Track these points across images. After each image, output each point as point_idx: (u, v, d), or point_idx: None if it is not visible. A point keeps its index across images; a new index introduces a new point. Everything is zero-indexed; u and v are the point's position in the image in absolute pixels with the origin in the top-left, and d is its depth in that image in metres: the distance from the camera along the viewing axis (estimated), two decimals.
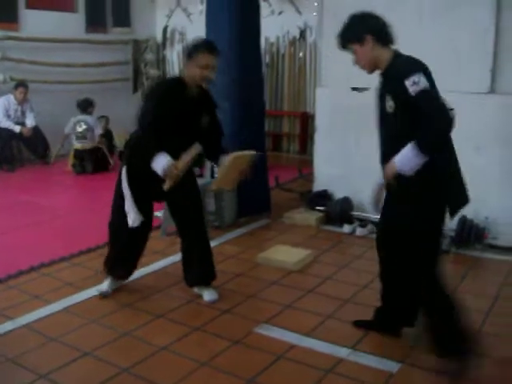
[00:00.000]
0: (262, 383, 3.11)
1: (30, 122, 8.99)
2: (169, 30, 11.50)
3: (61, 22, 9.95)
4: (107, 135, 9.31)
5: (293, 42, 10.13)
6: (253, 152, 4.02)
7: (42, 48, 9.59)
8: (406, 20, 5.09)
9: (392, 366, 3.26)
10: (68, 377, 3.16)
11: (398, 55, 3.13)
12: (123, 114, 8.71)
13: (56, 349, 3.44)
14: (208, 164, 5.70)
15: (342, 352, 3.41)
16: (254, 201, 6.13)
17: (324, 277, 4.59)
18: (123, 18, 11.07)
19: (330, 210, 5.99)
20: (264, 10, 7.56)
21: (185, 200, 4.04)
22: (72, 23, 10.20)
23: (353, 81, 5.84)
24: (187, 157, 3.73)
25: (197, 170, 5.56)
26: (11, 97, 8.90)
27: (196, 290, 4.18)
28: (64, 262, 4.84)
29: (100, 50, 10.52)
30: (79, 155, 8.52)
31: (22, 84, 8.93)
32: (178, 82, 3.88)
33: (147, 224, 4.10)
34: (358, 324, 3.71)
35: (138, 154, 3.87)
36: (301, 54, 10.05)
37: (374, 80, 5.78)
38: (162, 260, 4.87)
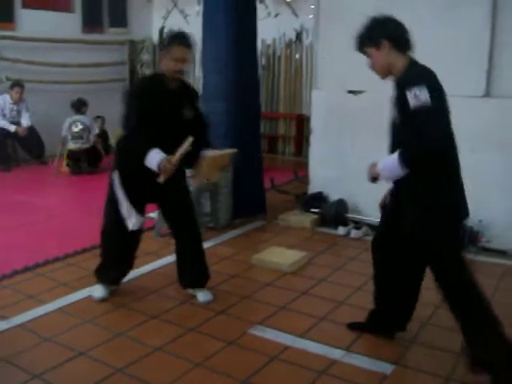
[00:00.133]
0: None
1: (25, 121, 8.99)
2: (165, 30, 11.50)
3: (57, 22, 9.96)
4: (103, 135, 9.31)
5: (289, 45, 10.16)
6: (232, 150, 4.00)
7: (38, 48, 9.60)
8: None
9: (386, 368, 3.27)
10: (62, 377, 3.15)
11: (413, 64, 3.07)
12: (119, 114, 8.69)
13: (50, 349, 3.44)
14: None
15: (336, 353, 3.42)
16: (249, 202, 6.14)
17: (318, 279, 4.61)
18: (120, 19, 11.08)
19: (324, 212, 6.01)
20: (260, 12, 7.58)
21: (177, 202, 4.04)
22: (68, 23, 10.21)
23: (348, 83, 5.88)
24: (181, 150, 3.70)
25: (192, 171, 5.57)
26: (7, 96, 8.90)
27: (190, 290, 4.19)
28: (59, 262, 4.84)
29: (96, 50, 10.53)
30: (74, 156, 8.49)
31: (17, 84, 8.93)
32: (156, 77, 3.87)
33: (139, 229, 4.10)
34: (353, 326, 3.72)
35: (127, 157, 3.86)
36: (297, 56, 10.08)
37: (369, 83, 5.80)
38: (156, 261, 4.87)
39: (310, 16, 7.88)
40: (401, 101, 2.92)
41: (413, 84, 2.83)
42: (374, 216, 5.73)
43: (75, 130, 8.50)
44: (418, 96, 2.79)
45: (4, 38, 9.22)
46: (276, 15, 10.06)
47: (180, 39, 3.74)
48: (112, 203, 3.97)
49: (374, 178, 3.14)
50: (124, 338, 3.59)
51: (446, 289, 3.10)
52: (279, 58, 10.30)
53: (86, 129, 8.61)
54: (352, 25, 5.65)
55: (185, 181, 4.14)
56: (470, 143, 4.99)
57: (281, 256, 4.93)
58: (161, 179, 3.66)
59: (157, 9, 11.58)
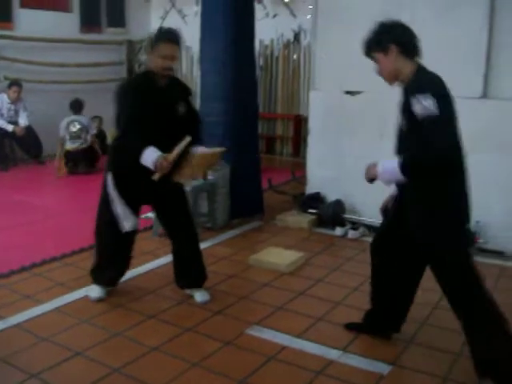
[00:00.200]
0: None
1: (23, 121, 8.98)
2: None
3: (55, 22, 9.97)
4: (100, 135, 9.32)
5: (287, 45, 10.17)
6: (221, 149, 3.98)
7: (36, 47, 9.60)
8: None
9: (383, 368, 3.27)
10: (59, 376, 3.15)
11: (421, 70, 3.01)
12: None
13: (47, 348, 3.44)
14: None
15: (333, 354, 3.42)
16: (246, 203, 6.14)
17: (316, 279, 4.61)
18: (118, 19, 11.09)
19: (322, 212, 6.01)
20: (259, 12, 7.59)
21: (173, 202, 4.04)
22: (66, 23, 10.22)
23: (346, 84, 5.89)
24: (177, 149, 3.69)
25: None
26: (4, 96, 8.90)
27: (188, 291, 4.19)
28: (56, 262, 4.84)
29: (94, 50, 10.54)
30: (72, 157, 8.47)
31: (15, 83, 8.93)
32: (145, 75, 3.85)
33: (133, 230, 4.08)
34: (350, 327, 3.73)
35: (122, 157, 3.84)
36: (295, 57, 10.09)
37: (367, 84, 5.82)
38: (153, 261, 4.88)
39: (308, 16, 7.90)
40: (408, 108, 2.87)
41: (420, 92, 2.78)
42: (372, 217, 5.76)
43: (73, 129, 8.48)
44: (425, 105, 2.74)
45: (2, 37, 9.22)
46: (274, 16, 10.08)
47: (167, 36, 3.72)
48: (106, 204, 3.95)
49: (372, 179, 3.11)
50: (121, 337, 3.59)
51: (448, 290, 3.07)
52: (277, 58, 10.31)
53: (84, 129, 8.61)
54: (350, 25, 5.74)
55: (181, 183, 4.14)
56: (467, 144, 4.99)
57: (278, 256, 4.94)
58: (156, 176, 3.63)
59: (155, 9, 11.58)
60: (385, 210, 3.41)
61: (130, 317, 3.88)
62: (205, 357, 3.36)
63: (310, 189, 6.38)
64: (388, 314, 3.53)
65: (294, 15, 9.95)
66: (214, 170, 5.48)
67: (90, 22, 10.61)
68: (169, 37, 3.72)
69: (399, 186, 3.13)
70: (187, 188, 4.91)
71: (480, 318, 2.99)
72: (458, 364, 3.30)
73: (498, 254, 5.06)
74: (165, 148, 3.67)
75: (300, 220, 6.04)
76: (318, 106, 6.21)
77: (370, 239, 5.40)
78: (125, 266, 4.21)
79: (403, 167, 2.87)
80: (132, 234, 4.08)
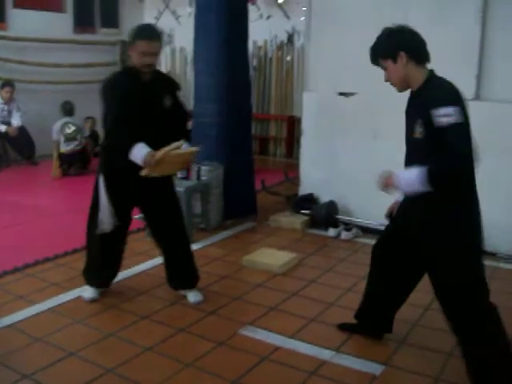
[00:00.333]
0: None
1: (16, 121, 8.96)
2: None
3: (49, 22, 9.95)
4: (93, 136, 9.30)
5: (280, 46, 10.18)
6: (195, 148, 3.94)
7: (29, 48, 9.58)
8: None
9: (375, 369, 3.29)
10: (52, 377, 3.16)
11: (433, 77, 2.95)
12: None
13: (41, 349, 3.44)
14: (194, 167, 5.71)
15: (326, 354, 3.44)
16: (240, 203, 6.15)
17: (309, 280, 4.62)
18: (111, 19, 11.07)
19: (315, 213, 6.02)
20: (252, 13, 7.62)
21: (164, 203, 4.03)
22: (60, 23, 10.20)
23: (339, 85, 5.90)
24: (167, 148, 3.66)
25: (183, 173, 5.58)
26: None
27: (181, 291, 4.20)
28: (49, 263, 4.84)
29: (88, 50, 10.52)
30: (66, 159, 8.43)
31: (8, 83, 8.91)
32: (128, 72, 3.81)
33: (122, 231, 4.06)
34: (343, 327, 3.74)
35: (112, 156, 3.83)
36: (288, 58, 10.10)
37: (360, 85, 5.85)
38: (146, 262, 4.88)
39: (302, 18, 7.91)
40: (426, 118, 2.77)
41: (442, 104, 2.72)
42: (365, 218, 5.79)
43: (68, 131, 8.42)
44: (448, 114, 2.68)
45: None
46: (268, 17, 10.09)
47: (144, 33, 3.68)
48: (96, 207, 3.95)
49: (387, 188, 3.02)
50: (114, 338, 3.60)
51: (449, 299, 3.00)
52: (271, 59, 10.32)
53: (79, 130, 8.59)
54: (344, 27, 5.77)
55: (172, 182, 4.14)
56: None
57: (271, 257, 4.95)
58: (143, 172, 3.61)
59: (148, 10, 11.57)
60: (390, 215, 3.37)
61: (124, 317, 3.88)
62: (198, 357, 3.37)
63: (303, 190, 6.39)
64: (383, 315, 3.54)
65: (287, 17, 9.97)
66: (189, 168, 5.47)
67: (83, 22, 10.59)
68: (146, 33, 3.68)
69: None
70: (180, 189, 4.92)
71: (480, 334, 2.93)
72: (449, 364, 3.32)
73: (490, 255, 5.07)
74: (153, 142, 3.65)
75: (293, 221, 6.05)
76: (312, 107, 6.23)
77: (362, 240, 5.51)
78: (115, 267, 4.20)
79: (431, 177, 2.75)
80: (121, 237, 4.08)
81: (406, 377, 3.24)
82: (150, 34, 3.68)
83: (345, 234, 5.70)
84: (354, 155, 5.89)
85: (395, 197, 3.34)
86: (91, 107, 9.12)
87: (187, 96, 8.10)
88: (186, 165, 4.04)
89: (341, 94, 5.93)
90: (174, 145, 3.73)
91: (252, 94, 6.70)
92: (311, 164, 6.29)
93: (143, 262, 4.87)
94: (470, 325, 2.95)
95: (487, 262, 4.98)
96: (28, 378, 3.12)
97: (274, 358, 3.39)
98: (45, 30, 9.73)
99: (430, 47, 2.90)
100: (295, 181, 7.00)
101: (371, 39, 3.09)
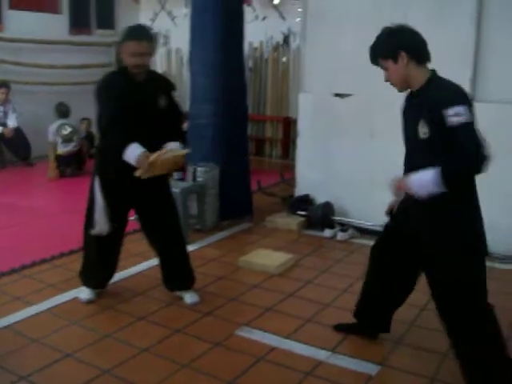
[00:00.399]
0: None
1: (11, 122, 8.95)
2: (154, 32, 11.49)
3: (44, 23, 9.94)
4: (89, 137, 9.29)
5: (276, 48, 10.18)
6: (186, 150, 3.92)
7: (25, 49, 9.57)
8: None
9: (371, 369, 3.30)
10: (49, 378, 3.16)
11: (436, 77, 2.94)
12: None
13: (37, 350, 3.44)
14: (190, 168, 5.72)
15: (322, 354, 3.45)
16: (236, 204, 6.16)
17: (305, 281, 4.63)
18: (107, 21, 11.07)
19: (311, 214, 6.03)
20: (248, 14, 7.63)
21: (160, 205, 4.02)
22: (56, 24, 10.19)
23: (335, 86, 5.92)
24: (162, 152, 3.68)
25: (179, 174, 5.59)
26: None
27: (177, 293, 4.20)
28: (45, 264, 4.84)
29: (83, 51, 10.51)
30: (63, 160, 8.41)
31: (3, 84, 8.90)
32: (122, 72, 3.79)
33: (118, 233, 4.05)
34: (339, 328, 3.75)
35: (107, 159, 3.82)
36: (284, 60, 10.11)
37: (356, 86, 5.86)
38: (143, 263, 4.88)
39: (298, 19, 7.93)
40: (433, 118, 2.77)
41: (452, 101, 2.71)
42: (361, 218, 5.80)
43: (65, 132, 8.40)
44: (459, 113, 2.68)
45: None
46: (263, 18, 10.10)
47: (133, 34, 3.68)
48: (92, 209, 3.94)
49: (400, 193, 3.00)
50: (111, 339, 3.60)
51: (448, 299, 2.98)
52: (266, 60, 10.32)
53: (75, 131, 8.59)
54: (339, 28, 5.78)
55: (168, 183, 4.14)
56: None
57: (267, 258, 4.96)
58: (137, 173, 3.61)
59: (144, 11, 11.58)
60: (391, 213, 3.35)
61: (120, 318, 3.89)
62: (194, 358, 3.38)
63: (299, 191, 6.41)
64: (381, 314, 3.54)
65: (283, 18, 9.98)
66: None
67: (79, 23, 10.58)
68: (135, 34, 3.68)
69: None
70: (176, 190, 4.93)
71: (477, 335, 2.93)
72: (445, 364, 3.33)
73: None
74: (148, 143, 3.66)
75: (289, 222, 6.06)
76: (308, 109, 6.24)
77: (359, 241, 5.52)
78: (111, 268, 4.20)
79: (445, 177, 2.74)
80: (117, 238, 4.08)
81: (402, 377, 3.25)
82: (138, 35, 3.67)
83: (341, 235, 5.71)
84: (349, 156, 5.91)
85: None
86: (87, 108, 9.11)
87: (183, 97, 8.09)
88: (177, 166, 4.03)
89: (336, 95, 5.94)
90: (168, 148, 3.74)
91: (248, 95, 6.71)
92: (307, 165, 6.31)
93: (139, 263, 4.87)
94: (467, 325, 2.95)
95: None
96: (24, 379, 3.12)
97: (270, 359, 3.40)
98: (40, 32, 9.72)
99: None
100: (291, 182, 7.02)
101: (367, 40, 3.09)
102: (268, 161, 10.33)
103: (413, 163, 3.00)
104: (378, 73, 3.10)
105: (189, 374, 3.23)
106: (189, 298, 4.14)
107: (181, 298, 4.16)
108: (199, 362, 3.35)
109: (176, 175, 5.54)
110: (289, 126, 10.02)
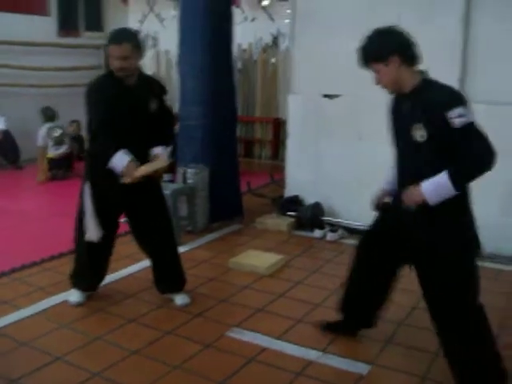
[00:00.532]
0: None
1: (0, 126, 8.90)
2: (142, 35, 11.48)
3: (32, 26, 9.89)
4: (78, 140, 9.26)
5: (265, 49, 10.19)
6: (164, 163, 3.87)
7: (12, 51, 9.51)
8: None
9: (362, 368, 3.31)
10: (39, 382, 3.14)
11: (428, 79, 2.93)
12: None
13: (27, 353, 3.43)
14: (180, 170, 5.71)
15: (313, 355, 3.45)
16: (226, 206, 6.16)
17: (295, 281, 4.64)
18: (95, 23, 11.05)
19: (301, 215, 6.04)
20: (237, 16, 7.62)
21: (151, 207, 4.00)
22: (44, 27, 10.15)
23: (324, 88, 5.93)
24: (150, 165, 3.69)
25: (169, 176, 5.59)
26: None
27: (168, 295, 4.19)
28: (35, 267, 4.82)
29: (72, 54, 10.48)
30: (56, 164, 8.38)
31: None
32: (111, 76, 3.76)
33: (110, 238, 4.04)
34: (326, 327, 3.75)
35: (97, 164, 3.77)
36: (273, 61, 10.12)
37: (345, 87, 5.87)
38: (133, 265, 4.87)
39: (286, 21, 7.93)
40: (431, 120, 2.77)
41: (454, 104, 2.72)
42: (350, 219, 5.81)
43: (56, 134, 8.37)
44: (465, 115, 2.71)
45: None
46: (252, 20, 10.11)
47: (113, 38, 3.68)
48: (81, 213, 3.93)
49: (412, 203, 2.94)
50: (101, 341, 3.59)
51: (440, 297, 2.99)
52: (255, 62, 10.33)
53: (65, 133, 8.56)
54: (328, 30, 5.79)
55: (160, 185, 4.12)
56: None
57: (258, 259, 4.96)
58: (124, 180, 3.62)
59: (133, 13, 11.55)
60: (378, 205, 3.33)
61: (110, 321, 3.88)
62: (185, 359, 3.38)
63: (289, 192, 6.41)
64: (363, 310, 3.54)
65: (272, 19, 9.99)
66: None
67: (67, 25, 10.56)
68: (114, 37, 3.68)
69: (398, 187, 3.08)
70: (166, 191, 4.92)
71: (468, 333, 2.95)
72: (435, 363, 3.34)
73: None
74: (137, 146, 3.68)
75: (279, 223, 6.07)
76: (297, 110, 6.25)
77: (348, 241, 5.52)
78: (102, 272, 4.19)
79: (459, 180, 2.76)
80: (108, 244, 4.06)
81: (393, 376, 3.26)
82: (118, 38, 3.66)
83: (330, 236, 5.72)
84: (338, 157, 5.92)
85: (380, 186, 3.33)
86: (76, 110, 9.08)
87: (172, 99, 8.07)
88: (159, 174, 3.97)
89: (325, 95, 5.95)
90: (154, 152, 3.74)
91: (237, 97, 6.71)
92: (296, 166, 6.32)
93: (130, 265, 4.86)
94: (460, 324, 2.96)
95: None
96: (14, 383, 3.10)
97: (261, 359, 3.40)
98: (29, 34, 9.68)
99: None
100: (281, 183, 7.02)
101: (355, 41, 3.06)
102: (257, 162, 10.34)
103: (409, 167, 3.01)
104: (367, 74, 3.09)
105: (180, 375, 3.22)
106: (179, 299, 4.13)
107: (171, 300, 4.16)
108: (190, 363, 3.35)
109: (166, 177, 5.53)
110: (278, 127, 10.02)
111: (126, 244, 5.02)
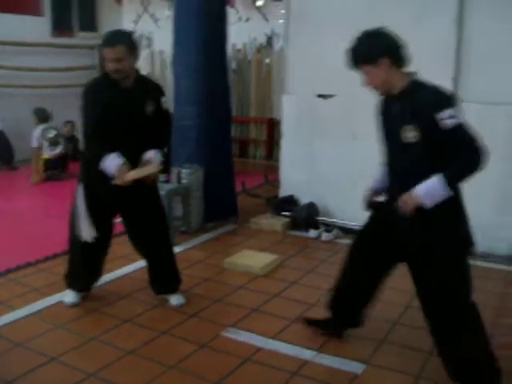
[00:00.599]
0: None
1: None
2: (136, 35, 11.46)
3: (26, 26, 9.86)
4: (73, 140, 9.25)
5: (259, 49, 10.20)
6: (155, 169, 3.84)
7: (6, 51, 9.48)
8: None
9: (357, 367, 3.32)
10: (34, 382, 3.14)
11: (417, 80, 2.94)
12: None
13: (22, 354, 3.42)
14: (174, 170, 5.71)
15: (308, 354, 3.46)
16: (220, 206, 6.16)
17: (290, 281, 4.65)
18: (90, 23, 11.04)
19: (295, 215, 6.05)
20: (231, 16, 7.64)
21: (147, 208, 4.00)
22: (38, 27, 10.12)
23: (318, 88, 5.94)
24: (141, 171, 3.69)
25: (163, 176, 5.58)
26: None
27: (163, 295, 4.20)
28: (30, 268, 4.81)
29: (66, 54, 10.46)
30: (51, 164, 8.37)
31: None
32: (107, 78, 3.73)
33: (104, 239, 4.03)
34: (310, 323, 3.75)
35: (91, 167, 3.76)
36: (267, 61, 10.12)
37: (339, 87, 5.88)
38: (128, 265, 4.87)
39: (281, 21, 7.94)
40: (422, 121, 2.79)
41: (445, 106, 2.74)
42: (345, 219, 5.82)
43: (50, 135, 8.36)
44: (455, 116, 2.73)
45: None
46: (247, 20, 10.11)
47: (105, 40, 3.66)
48: (75, 213, 3.92)
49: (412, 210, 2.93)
50: (96, 342, 3.59)
51: (435, 295, 3.02)
52: (250, 62, 10.33)
53: (60, 134, 8.55)
54: (322, 30, 5.80)
55: (156, 185, 4.11)
56: None
57: (252, 259, 4.97)
58: (115, 181, 3.62)
59: (127, 13, 11.54)
60: (370, 204, 3.32)
61: (105, 321, 3.88)
62: (180, 359, 3.38)
63: (284, 192, 6.42)
64: (352, 310, 3.55)
65: (266, 19, 10.00)
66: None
67: (61, 26, 10.54)
68: (106, 40, 3.66)
69: (392, 189, 3.10)
70: (161, 192, 4.92)
71: (462, 331, 2.98)
72: (429, 362, 3.36)
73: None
74: (132, 149, 3.68)
75: (274, 223, 6.08)
76: (291, 110, 6.26)
77: (343, 241, 5.53)
78: (97, 273, 4.19)
79: (453, 181, 2.80)
80: (102, 245, 4.05)
81: (387, 375, 3.27)
82: (111, 40, 3.63)
83: (325, 235, 5.73)
84: (333, 157, 5.93)
85: (368, 185, 3.34)
86: (70, 111, 9.12)
87: (167, 99, 8.09)
88: (149, 179, 3.93)
89: (319, 96, 5.97)
90: (147, 157, 3.74)
91: (231, 97, 6.71)
92: (291, 166, 6.33)
93: (125, 266, 4.86)
94: (453, 321, 2.99)
95: None
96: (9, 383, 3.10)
97: (256, 359, 3.41)
98: (22, 34, 9.65)
99: (408, 48, 2.92)
100: (275, 183, 7.03)
101: (349, 41, 3.06)
102: (252, 162, 10.35)
103: (399, 167, 3.03)
104: (361, 74, 3.11)
105: (175, 375, 3.23)
106: (174, 299, 4.14)
107: (166, 300, 4.16)
108: (185, 363, 3.35)
109: (161, 177, 5.53)
110: (273, 128, 10.03)
111: (121, 244, 5.01)
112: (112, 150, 3.62)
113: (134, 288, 4.41)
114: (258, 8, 10.05)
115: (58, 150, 8.42)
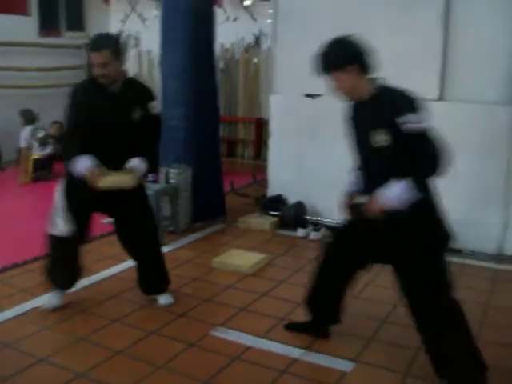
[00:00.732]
0: None
1: None
2: (123, 35, 11.44)
3: (13, 26, 9.77)
4: (61, 140, 9.20)
5: (247, 49, 10.20)
6: (132, 182, 3.80)
7: None
8: (357, 27, 5.20)
9: (346, 365, 3.34)
10: (23, 383, 3.13)
11: (385, 86, 3.01)
12: None
13: (10, 355, 3.42)
14: (163, 170, 5.71)
15: (296, 352, 3.48)
16: (209, 206, 6.17)
17: (278, 280, 4.66)
18: (77, 23, 10.98)
19: (284, 214, 6.07)
20: (219, 16, 7.64)
21: (134, 208, 3.98)
22: (25, 27, 10.04)
23: (306, 87, 5.95)
24: (117, 182, 3.65)
25: (151, 176, 5.57)
26: None
27: (152, 295, 4.19)
28: (18, 268, 4.80)
29: (53, 54, 10.40)
30: (41, 165, 8.34)
31: None
32: (95, 81, 3.71)
33: (81, 235, 3.98)
34: (289, 327, 3.78)
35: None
36: (255, 61, 10.13)
37: (326, 87, 5.87)
38: (116, 265, 4.86)
39: (269, 20, 7.95)
40: (392, 125, 2.84)
41: (409, 111, 2.81)
42: (332, 218, 5.83)
43: (40, 135, 8.33)
44: (418, 120, 2.81)
45: None
46: (234, 19, 10.11)
47: (90, 45, 3.66)
48: (54, 208, 3.91)
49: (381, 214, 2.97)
50: (85, 342, 3.59)
51: (418, 292, 3.06)
52: (238, 62, 10.33)
53: (48, 135, 8.52)
54: (310, 30, 5.80)
55: (143, 185, 4.08)
56: None
57: (241, 258, 4.97)
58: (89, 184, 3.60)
59: (115, 13, 11.50)
60: (351, 207, 3.31)
61: (94, 321, 3.87)
62: (169, 359, 3.39)
63: (272, 191, 6.44)
64: (330, 306, 3.57)
65: (254, 19, 10.00)
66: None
67: (48, 25, 10.48)
68: (92, 45, 3.66)
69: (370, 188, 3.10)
70: (149, 192, 4.91)
71: (444, 324, 3.01)
72: (417, 360, 3.38)
73: (456, 251, 5.16)
74: (118, 155, 3.68)
75: (262, 222, 6.09)
76: (279, 109, 6.28)
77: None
78: (74, 272, 4.09)
79: (419, 183, 2.85)
80: (78, 241, 3.99)
81: (376, 373, 3.29)
82: (97, 46, 3.61)
83: (313, 234, 5.75)
84: (320, 156, 5.95)
85: (344, 188, 3.37)
86: (58, 111, 8.98)
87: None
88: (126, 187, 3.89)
89: (307, 95, 5.98)
90: (130, 165, 3.71)
91: (219, 97, 6.72)
92: (279, 165, 6.34)
93: (113, 266, 4.85)
94: (436, 319, 3.02)
95: (453, 259, 5.08)
96: None
97: (245, 358, 3.42)
98: (9, 34, 9.57)
99: (395, 50, 2.95)
100: (263, 182, 7.04)
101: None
102: (240, 162, 10.35)
103: (372, 171, 3.09)
104: (329, 80, 3.13)
105: (164, 375, 3.23)
106: (163, 299, 4.14)
107: (155, 300, 4.16)
108: (175, 362, 3.36)
109: (149, 177, 5.52)
110: (261, 127, 10.04)
111: (109, 245, 5.02)
112: (95, 154, 3.59)
113: (122, 288, 4.41)
114: (246, 8, 10.06)
115: (48, 150, 8.40)
